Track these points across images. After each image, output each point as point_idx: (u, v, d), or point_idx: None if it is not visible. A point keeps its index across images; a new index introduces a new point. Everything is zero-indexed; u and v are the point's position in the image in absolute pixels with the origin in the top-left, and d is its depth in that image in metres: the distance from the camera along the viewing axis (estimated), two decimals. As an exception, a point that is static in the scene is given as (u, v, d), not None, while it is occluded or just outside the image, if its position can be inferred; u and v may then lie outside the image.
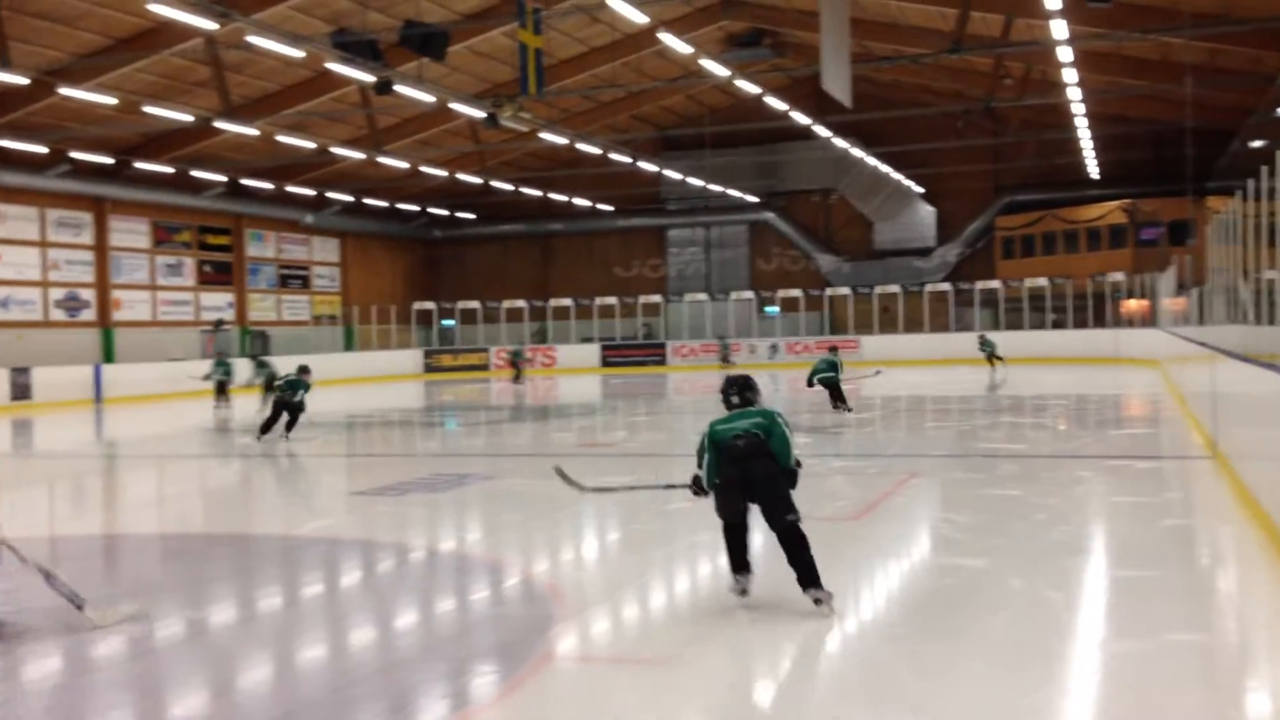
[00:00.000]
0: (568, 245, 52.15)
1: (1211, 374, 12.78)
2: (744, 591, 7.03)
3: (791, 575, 6.77)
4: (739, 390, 7.15)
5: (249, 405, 25.14)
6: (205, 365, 26.61)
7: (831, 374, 19.68)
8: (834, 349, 20.88)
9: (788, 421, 7.03)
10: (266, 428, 17.88)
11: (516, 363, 37.65)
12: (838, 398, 19.63)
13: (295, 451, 17.16)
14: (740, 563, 7.05)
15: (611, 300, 46.36)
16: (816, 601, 6.66)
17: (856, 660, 6.01)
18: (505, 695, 5.52)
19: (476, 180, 40.83)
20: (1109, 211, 41.67)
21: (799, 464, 6.99)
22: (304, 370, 18.50)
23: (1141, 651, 5.84)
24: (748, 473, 6.80)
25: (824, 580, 6.68)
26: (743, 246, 50.07)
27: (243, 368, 27.52)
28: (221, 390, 25.75)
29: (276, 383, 18.21)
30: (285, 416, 17.99)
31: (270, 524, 11.34)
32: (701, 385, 32.98)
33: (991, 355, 31.68)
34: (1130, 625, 6.39)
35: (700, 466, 7.04)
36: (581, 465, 14.77)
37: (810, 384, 20.04)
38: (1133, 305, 38.77)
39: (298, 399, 17.92)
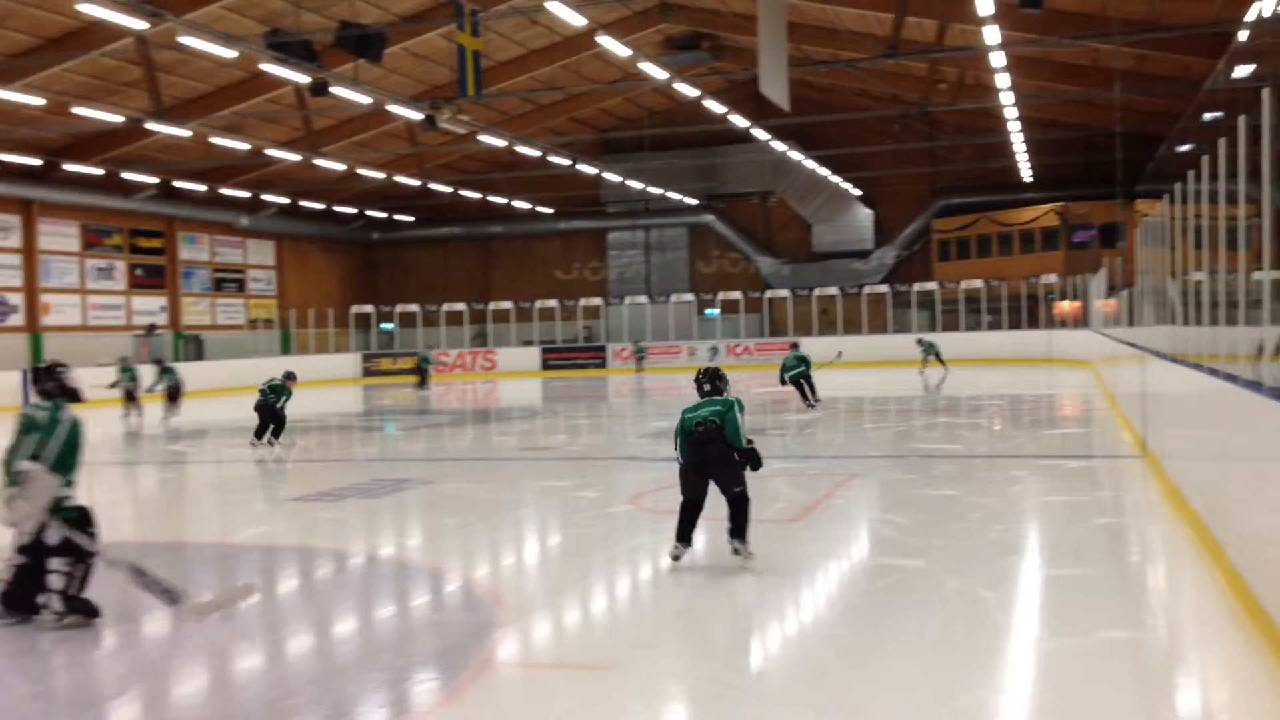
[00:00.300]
0: (508, 248, 51.96)
1: (1141, 374, 13.05)
2: (677, 558, 8.05)
3: (731, 580, 6.81)
4: (709, 379, 8.31)
5: (177, 411, 24.63)
6: (111, 373, 25.80)
7: (802, 368, 20.29)
8: (796, 345, 21.60)
9: (743, 407, 8.06)
10: (260, 433, 17.58)
11: (422, 367, 35.80)
12: (807, 394, 20.41)
13: (229, 458, 16.93)
14: (684, 535, 8.04)
15: (552, 303, 46.28)
16: (735, 551, 7.90)
17: (795, 661, 6.05)
18: (446, 702, 5.49)
19: (415, 183, 40.56)
20: (1042, 214, 42.37)
21: (750, 442, 8.01)
22: (289, 376, 18.36)
23: (1074, 649, 5.94)
24: (703, 455, 7.91)
25: (765, 581, 6.72)
26: (683, 249, 50.21)
27: (149, 374, 26.33)
28: (130, 397, 24.95)
29: (270, 393, 17.80)
30: (271, 423, 17.70)
31: (205, 531, 11.18)
32: (642, 388, 33.02)
33: (935, 356, 32.30)
34: (1063, 623, 6.50)
35: (677, 450, 8.12)
36: (524, 468, 14.74)
37: (783, 382, 20.65)
38: (1065, 307, 39.46)
39: (280, 404, 17.63)
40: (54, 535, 6.94)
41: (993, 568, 7.84)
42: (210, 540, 10.54)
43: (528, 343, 46.23)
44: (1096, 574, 7.63)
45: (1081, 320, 36.59)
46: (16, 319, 35.44)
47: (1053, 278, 39.84)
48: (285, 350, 45.72)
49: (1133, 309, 17.27)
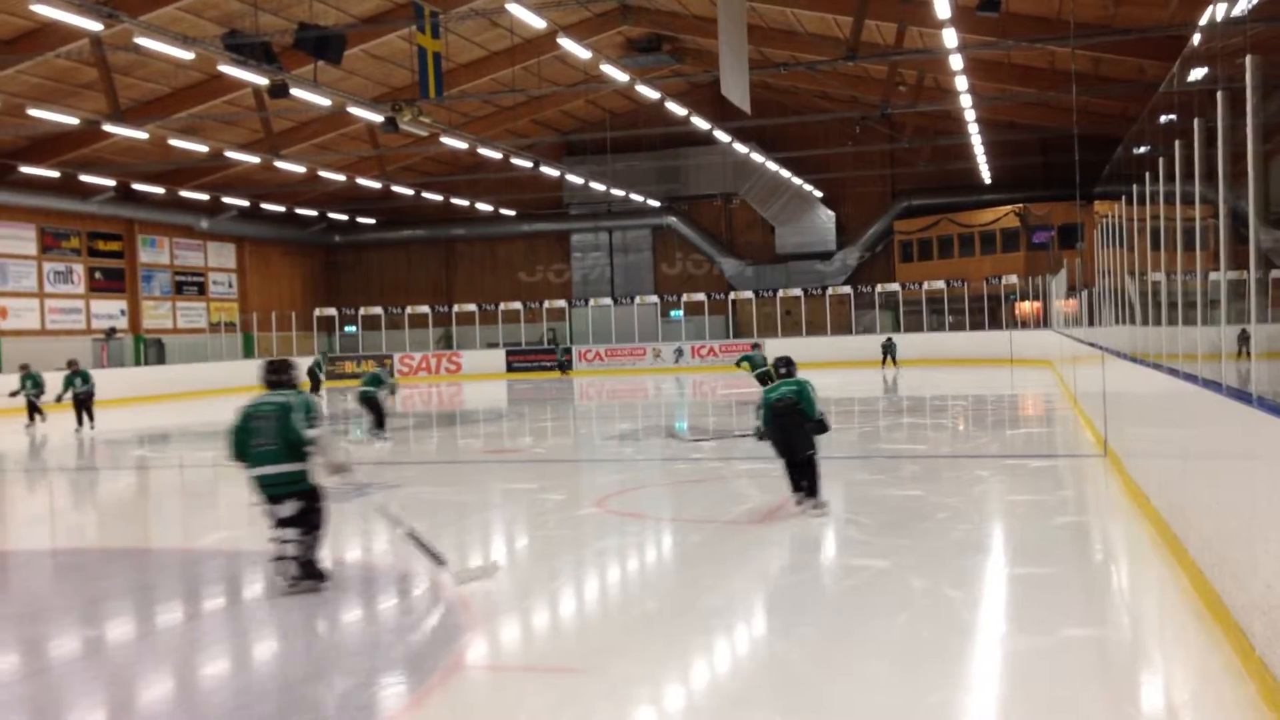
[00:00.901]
0: (471, 250, 51.82)
1: (1102, 374, 13.20)
2: (799, 503, 10.08)
3: (698, 583, 6.82)
4: (785, 365, 10.46)
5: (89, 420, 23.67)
6: (13, 381, 25.16)
7: (767, 368, 20.85)
8: (757, 345, 22.31)
9: (814, 388, 10.16)
10: (380, 424, 18.24)
11: (315, 373, 32.73)
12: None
13: (191, 462, 16.76)
14: (795, 486, 10.16)
15: (516, 305, 46.19)
16: (815, 507, 9.93)
17: (762, 662, 6.08)
18: (414, 706, 5.47)
19: (376, 185, 40.35)
20: (1002, 215, 42.75)
21: (823, 415, 10.17)
22: (383, 366, 18.85)
23: (1039, 648, 6.00)
24: (783, 425, 9.97)
25: (731, 583, 6.74)
26: (646, 251, 50.25)
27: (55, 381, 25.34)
28: (33, 407, 24.42)
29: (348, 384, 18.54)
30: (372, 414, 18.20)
31: (169, 537, 11.08)
32: (607, 390, 33.02)
33: (893, 357, 33.50)
34: (1028, 622, 6.56)
35: (759, 420, 10.22)
36: (490, 471, 14.70)
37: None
38: (1026, 307, 39.85)
39: (383, 394, 18.22)
40: (289, 508, 7.76)
41: (958, 567, 7.91)
42: (174, 546, 10.44)
43: (492, 345, 46.12)
44: (1060, 572, 7.71)
45: (1042, 320, 36.96)
46: (-29, 324, 34.93)
47: (1013, 278, 40.22)
48: (248, 354, 45.33)
49: (1093, 309, 17.47)
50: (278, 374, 8.20)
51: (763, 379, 21.25)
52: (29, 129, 30.17)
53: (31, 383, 24.58)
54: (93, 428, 23.40)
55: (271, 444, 7.72)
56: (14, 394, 24.48)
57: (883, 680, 5.59)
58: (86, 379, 24.05)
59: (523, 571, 8.67)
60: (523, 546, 9.61)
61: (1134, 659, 6.05)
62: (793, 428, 9.94)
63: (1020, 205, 42.34)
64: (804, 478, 10.05)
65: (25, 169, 32.88)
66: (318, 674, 6.09)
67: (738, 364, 23.36)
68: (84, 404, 23.64)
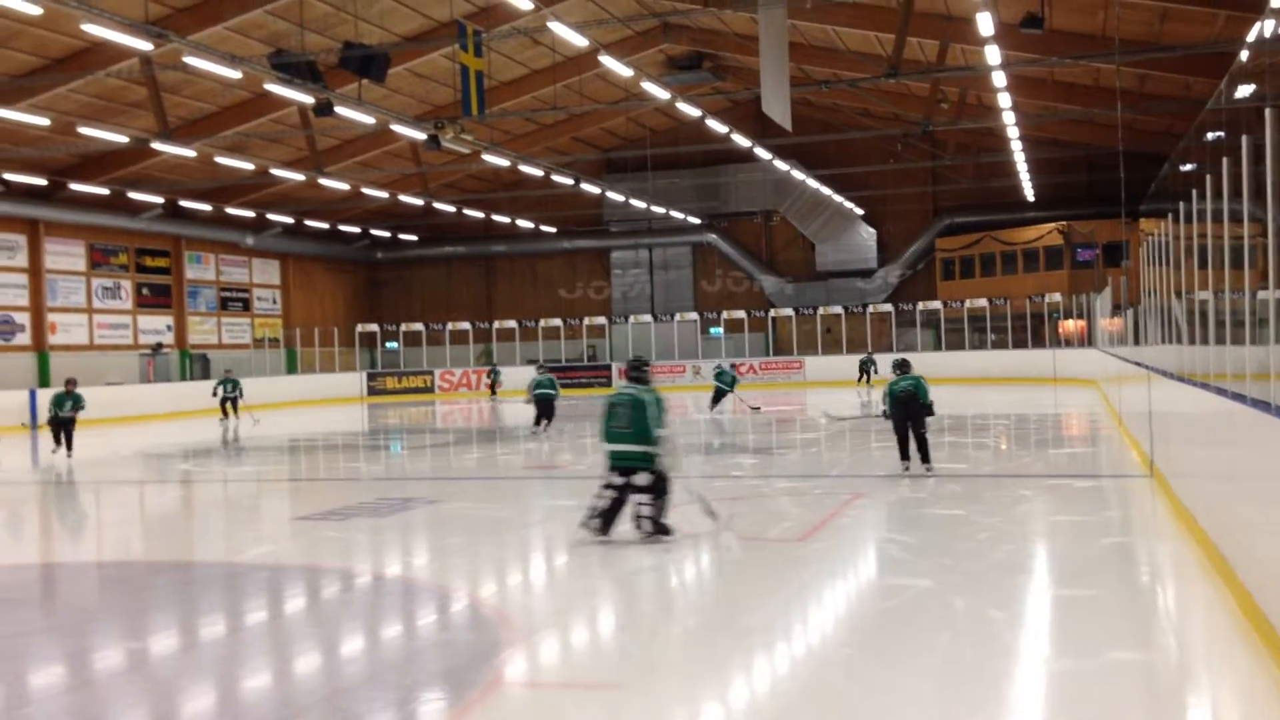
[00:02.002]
0: (511, 267, 52.06)
1: (1148, 393, 13.03)
2: (906, 469, 13.69)
3: (738, 601, 6.81)
4: (903, 365, 13.91)
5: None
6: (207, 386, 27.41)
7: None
8: (732, 365, 24.35)
9: (926, 381, 13.58)
10: (538, 421, 19.60)
11: (225, 396, 31.19)
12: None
13: (234, 477, 16.92)
14: (904, 453, 13.71)
15: (556, 322, 46.31)
16: (928, 471, 13.61)
17: (803, 682, 6.04)
18: (454, 723, 5.47)
19: (418, 202, 40.66)
20: (1046, 233, 42.40)
21: (932, 403, 13.58)
22: (543, 369, 19.82)
23: (1083, 670, 5.92)
24: (905, 409, 13.54)
25: (771, 601, 6.71)
26: (686, 268, 50.28)
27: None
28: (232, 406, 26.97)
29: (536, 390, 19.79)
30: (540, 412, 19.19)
31: (212, 550, 11.17)
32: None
33: (869, 375, 34.39)
34: (1072, 644, 6.48)
35: (885, 405, 13.65)
36: (530, 488, 14.73)
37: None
38: (1070, 326, 39.46)
39: (553, 394, 19.28)
40: (642, 479, 9.66)
41: (1001, 587, 7.83)
42: (217, 559, 10.53)
43: (532, 361, 46.22)
44: (1105, 594, 7.61)
45: (1086, 339, 36.58)
46: (23, 338, 35.52)
47: (1057, 296, 39.86)
48: (291, 369, 45.77)
49: (1138, 328, 17.27)
50: (638, 370, 10.18)
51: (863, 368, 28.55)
52: (79, 147, 30.69)
53: (231, 385, 27.58)
54: (70, 454, 22.42)
55: (626, 428, 9.67)
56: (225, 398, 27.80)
57: (925, 701, 5.54)
58: (78, 401, 23.41)
59: (562, 588, 8.68)
60: (562, 563, 9.61)
61: (1181, 682, 5.95)
62: (914, 411, 13.48)
63: (1064, 223, 41.98)
64: (919, 449, 13.61)
65: (75, 186, 33.45)
66: (358, 688, 6.11)
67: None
68: (66, 426, 22.75)
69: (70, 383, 23.55)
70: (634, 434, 9.60)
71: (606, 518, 9.75)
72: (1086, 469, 15.02)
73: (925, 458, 13.69)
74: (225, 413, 30.65)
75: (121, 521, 13.74)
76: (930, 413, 13.51)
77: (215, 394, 30.93)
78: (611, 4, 30.65)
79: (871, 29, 28.73)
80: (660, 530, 9.70)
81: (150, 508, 14.89)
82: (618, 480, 9.72)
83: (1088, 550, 9.10)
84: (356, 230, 48.00)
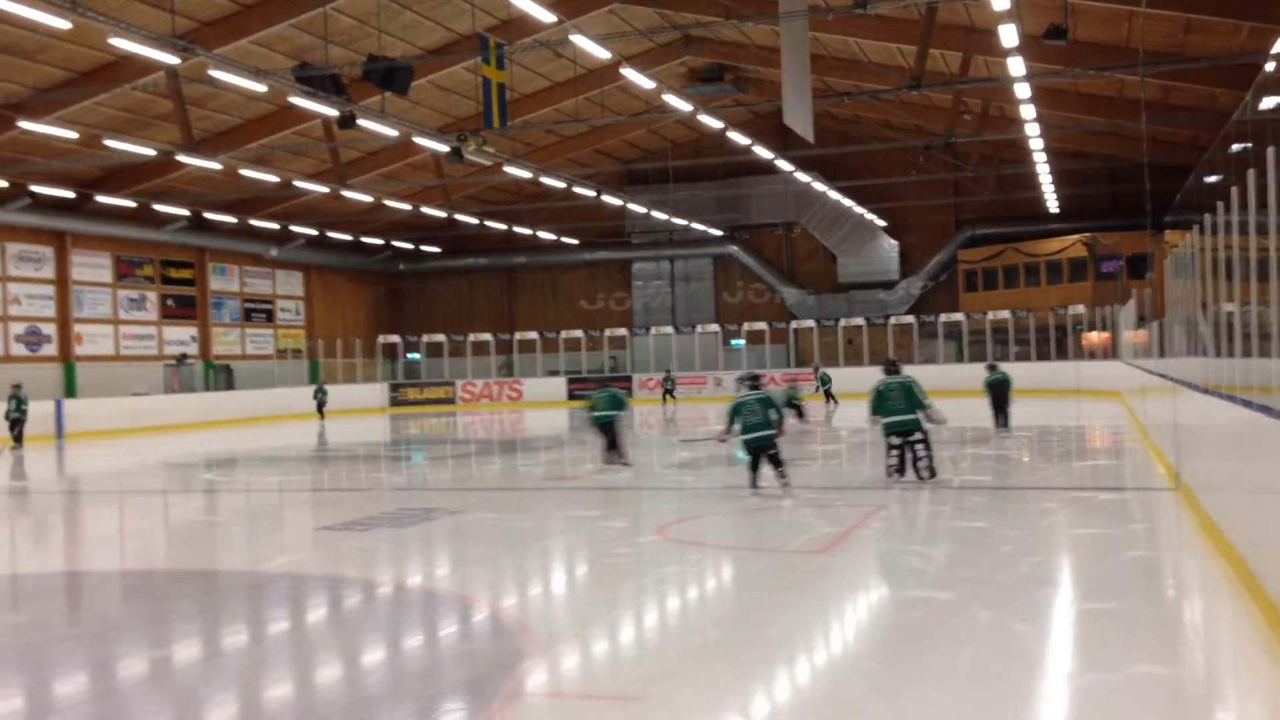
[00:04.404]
0: (533, 278, 52.17)
1: (1173, 406, 12.94)
2: (898, 473, 13.92)
3: (759, 612, 6.79)
4: (893, 364, 14.58)
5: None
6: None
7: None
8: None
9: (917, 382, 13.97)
10: (610, 447, 17.66)
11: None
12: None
13: (258, 487, 16.99)
14: (899, 467, 13.86)
15: (577, 333, 46.37)
16: (931, 474, 13.93)
17: (825, 694, 6.01)
18: (475, 733, 5.47)
19: (440, 214, 40.82)
20: (1069, 245, 42.21)
21: (930, 405, 13.78)
22: (609, 384, 19.02)
23: (1109, 684, 5.87)
24: (896, 406, 13.89)
25: (793, 613, 6.68)
26: (707, 280, 50.28)
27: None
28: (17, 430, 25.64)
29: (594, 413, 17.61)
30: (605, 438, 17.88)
31: (235, 560, 11.22)
32: (667, 418, 32.99)
33: (827, 391, 32.43)
34: (1097, 658, 6.42)
35: (872, 408, 13.99)
36: (551, 498, 14.74)
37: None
38: (1094, 338, 39.22)
39: (610, 418, 17.54)
40: (918, 435, 13.74)
41: (1025, 601, 7.77)
42: (240, 569, 10.57)
43: (553, 373, 46.30)
44: (1131, 608, 7.54)
45: (1110, 351, 36.35)
46: (50, 349, 35.81)
47: (1080, 309, 39.64)
48: (314, 380, 45.98)
49: (1163, 340, 17.16)
50: (893, 365, 14.49)
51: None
52: (106, 159, 30.97)
53: (16, 404, 26.14)
54: (16, 449, 24.30)
55: (903, 403, 13.65)
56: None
57: (949, 714, 5.50)
58: (21, 404, 25.08)
59: (583, 598, 8.67)
60: (583, 574, 9.61)
61: (1207, 697, 5.89)
62: (910, 420, 14.16)
63: (1088, 235, 41.78)
64: (917, 454, 13.94)
65: (102, 198, 33.74)
66: (380, 698, 6.12)
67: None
68: (16, 425, 24.92)
69: (17, 387, 24.95)
70: (908, 408, 13.62)
71: (900, 468, 13.79)
72: (1111, 482, 14.91)
73: (929, 471, 14.04)
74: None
75: (145, 531, 13.81)
76: (932, 413, 13.91)
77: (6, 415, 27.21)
78: (633, 17, 30.75)
79: (893, 41, 28.71)
80: (933, 474, 13.79)
81: (174, 517, 14.97)
82: (897, 441, 13.78)
83: (1112, 564, 9.03)
84: (379, 242, 48.22)
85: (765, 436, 13.30)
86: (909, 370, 15.64)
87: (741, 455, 14.45)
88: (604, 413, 17.38)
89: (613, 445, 17.45)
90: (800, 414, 25.95)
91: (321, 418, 37.45)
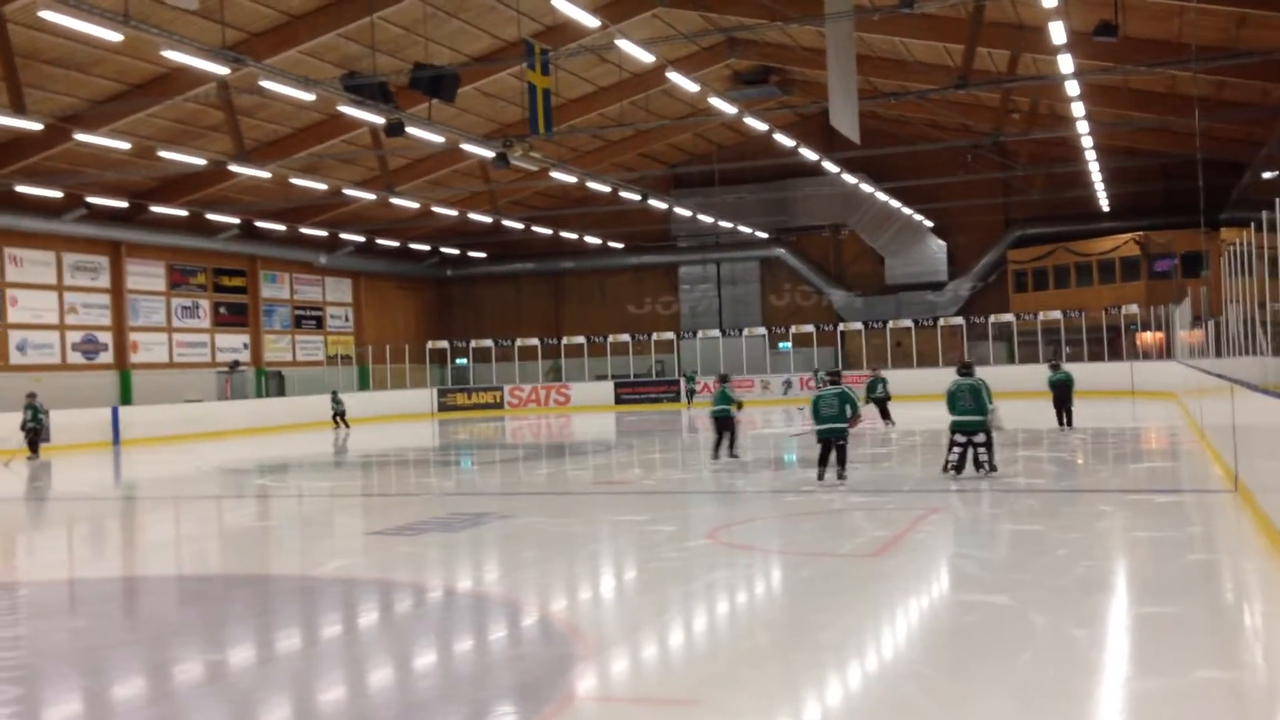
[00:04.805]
0: (579, 283, 52.30)
1: (1231, 406, 12.72)
2: (955, 470, 14.73)
3: (811, 617, 6.88)
4: (968, 366, 15.24)
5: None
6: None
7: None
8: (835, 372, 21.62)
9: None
10: (720, 441, 18.64)
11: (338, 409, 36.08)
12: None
13: (310, 492, 17.13)
14: (959, 463, 14.65)
15: (624, 337, 46.42)
16: (993, 468, 14.75)
17: (879, 698, 5.95)
18: (528, 738, 5.47)
19: (487, 219, 41.03)
20: (1121, 244, 41.66)
21: (994, 409, 14.55)
22: (725, 379, 19.41)
23: (1169, 689, 5.78)
24: (965, 404, 14.64)
25: (846, 617, 6.64)
26: (754, 283, 50.14)
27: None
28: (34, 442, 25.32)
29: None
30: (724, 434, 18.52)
31: (288, 564, 11.32)
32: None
33: (880, 401, 25.23)
34: (1156, 662, 6.32)
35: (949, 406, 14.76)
36: (600, 503, 14.75)
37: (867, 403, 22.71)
38: (1148, 338, 38.67)
39: (725, 414, 18.60)
40: (981, 436, 14.55)
41: (1082, 605, 7.67)
42: (293, 573, 10.67)
43: (601, 377, 46.36)
44: (1190, 612, 7.42)
45: (1165, 351, 35.82)
46: (106, 357, 36.39)
47: (1134, 308, 39.10)
48: (363, 386, 46.39)
49: (1220, 339, 16.88)
50: (967, 368, 15.19)
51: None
52: (159, 170, 31.43)
53: (32, 413, 25.70)
54: (33, 459, 24.64)
55: (972, 404, 14.45)
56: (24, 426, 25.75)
57: (1005, 719, 5.43)
58: (37, 413, 25.18)
59: (633, 603, 8.66)
60: (633, 578, 9.60)
61: (1270, 702, 5.77)
62: (974, 408, 14.73)
63: (1140, 233, 41.21)
64: (988, 447, 14.73)
65: (155, 208, 34.25)
66: (433, 702, 6.14)
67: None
68: (33, 436, 25.06)
69: (31, 396, 25.16)
70: (974, 409, 14.45)
71: (960, 465, 14.67)
72: (1167, 484, 14.69)
73: (990, 462, 14.77)
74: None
75: (200, 536, 13.99)
76: (993, 416, 14.70)
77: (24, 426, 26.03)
78: (678, 20, 30.75)
79: (940, 40, 28.49)
80: (994, 469, 14.69)
81: (228, 522, 15.15)
82: (961, 439, 14.66)
83: (1170, 567, 8.89)
84: (427, 248, 48.57)
85: (837, 429, 14.73)
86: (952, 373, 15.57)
87: (790, 459, 14.63)
88: (719, 408, 18.66)
89: (722, 439, 18.60)
90: (885, 413, 24.86)
91: (340, 426, 35.70)
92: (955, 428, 14.69)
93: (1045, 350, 40.77)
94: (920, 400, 31.10)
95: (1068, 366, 25.02)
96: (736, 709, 5.75)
